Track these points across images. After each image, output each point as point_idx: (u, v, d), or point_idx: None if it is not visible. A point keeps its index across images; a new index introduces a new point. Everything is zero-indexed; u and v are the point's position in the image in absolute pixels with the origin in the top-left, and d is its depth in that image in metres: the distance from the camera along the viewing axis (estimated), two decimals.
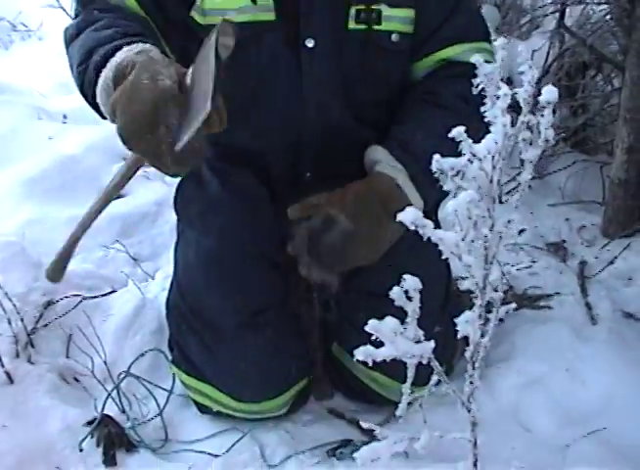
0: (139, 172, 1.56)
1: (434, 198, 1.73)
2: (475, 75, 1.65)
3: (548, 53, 3.03)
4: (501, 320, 1.12)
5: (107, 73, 1.41)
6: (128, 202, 2.72)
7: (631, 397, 1.84)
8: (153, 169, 2.68)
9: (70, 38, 1.62)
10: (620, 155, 2.50)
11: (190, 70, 1.33)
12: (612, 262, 2.43)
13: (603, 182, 2.81)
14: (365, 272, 1.77)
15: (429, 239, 1.82)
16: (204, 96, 1.27)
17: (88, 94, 1.50)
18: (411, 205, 1.55)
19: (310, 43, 1.71)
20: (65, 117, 3.58)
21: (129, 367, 1.95)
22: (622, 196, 2.57)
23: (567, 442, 1.73)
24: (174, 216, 2.41)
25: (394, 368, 1.74)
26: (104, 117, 1.49)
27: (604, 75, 3.16)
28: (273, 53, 1.73)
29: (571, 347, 2.01)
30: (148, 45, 1.43)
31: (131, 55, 1.39)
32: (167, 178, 2.74)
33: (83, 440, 1.75)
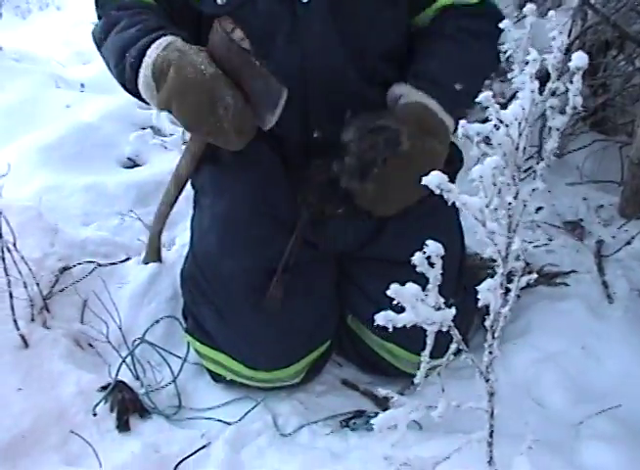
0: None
1: (458, 117, 1.74)
2: (477, 13, 1.65)
3: (570, 30, 3.00)
4: (518, 296, 1.11)
5: (145, 72, 1.62)
6: (144, 171, 2.71)
7: None
8: (169, 138, 2.70)
9: (100, 41, 1.77)
10: None
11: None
12: (629, 243, 2.40)
13: (622, 162, 2.78)
14: (381, 241, 1.77)
15: (443, 210, 1.85)
16: (266, 80, 1.58)
17: (132, 91, 1.71)
18: (446, 125, 1.70)
19: None
20: (82, 85, 3.59)
21: (144, 334, 1.96)
22: None
23: (580, 418, 1.72)
24: (190, 186, 2.41)
25: (410, 340, 1.77)
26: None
27: (626, 55, 3.11)
28: (270, 11, 1.73)
29: (588, 324, 2.00)
30: (170, 37, 1.62)
31: (161, 53, 1.59)
32: (184, 148, 2.74)
33: (97, 404, 1.76)
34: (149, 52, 1.61)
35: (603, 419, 1.70)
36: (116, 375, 1.85)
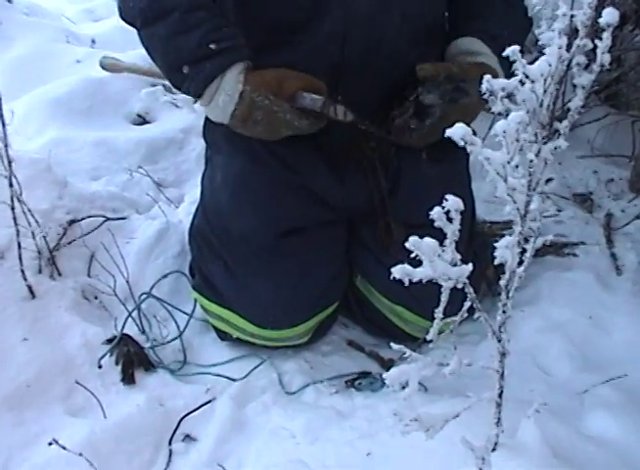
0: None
1: None
2: None
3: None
4: (534, 256, 1.10)
5: (220, 117, 1.66)
6: (154, 128, 2.69)
7: None
8: (180, 96, 2.68)
9: (138, 23, 1.67)
10: None
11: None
12: (638, 217, 2.40)
13: (633, 137, 2.77)
14: (393, 205, 1.76)
15: (456, 176, 1.83)
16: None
17: (183, 91, 1.68)
18: None
19: None
20: (93, 41, 3.56)
21: (151, 288, 1.96)
22: None
23: (585, 387, 1.72)
24: (201, 144, 2.39)
25: (419, 303, 1.77)
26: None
27: None
28: None
29: (595, 295, 2.00)
30: (236, 72, 1.61)
31: (240, 107, 1.61)
32: (195, 106, 2.72)
33: (102, 357, 1.76)
34: (228, 77, 1.60)
35: (608, 388, 1.69)
36: (122, 328, 1.85)
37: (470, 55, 1.76)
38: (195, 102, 1.71)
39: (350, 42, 1.71)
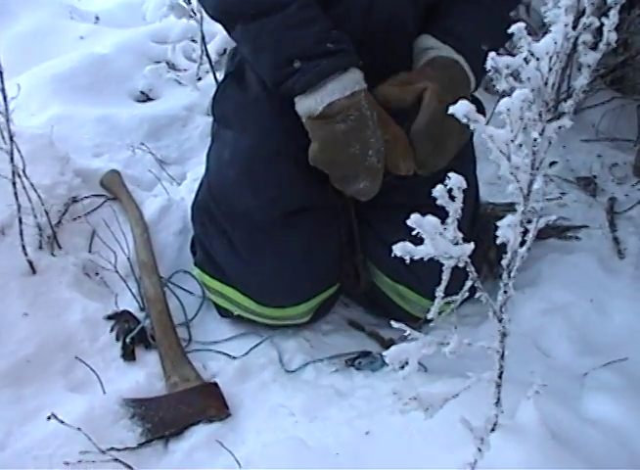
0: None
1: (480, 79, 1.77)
2: None
3: None
4: (536, 238, 1.09)
5: (314, 104, 1.59)
6: (158, 105, 2.69)
7: None
8: (184, 73, 2.68)
9: (244, 17, 1.63)
10: None
11: None
12: None
13: (638, 121, 2.76)
14: (397, 187, 1.76)
15: (460, 160, 1.83)
16: None
17: (284, 95, 1.64)
18: (470, 80, 1.72)
19: None
20: (97, 18, 3.55)
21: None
22: None
23: (585, 370, 1.71)
24: (204, 122, 2.39)
25: (421, 283, 1.77)
26: None
27: None
28: None
29: (597, 278, 2.00)
30: (356, 75, 1.59)
31: (344, 100, 1.57)
32: (199, 84, 2.72)
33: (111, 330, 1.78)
34: (331, 86, 1.57)
35: (608, 371, 1.69)
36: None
37: (423, 52, 1.75)
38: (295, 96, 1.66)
39: (373, 14, 1.72)
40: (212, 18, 1.76)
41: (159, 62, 2.87)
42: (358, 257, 1.87)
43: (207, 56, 2.64)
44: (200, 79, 2.82)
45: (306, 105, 1.60)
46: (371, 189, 1.64)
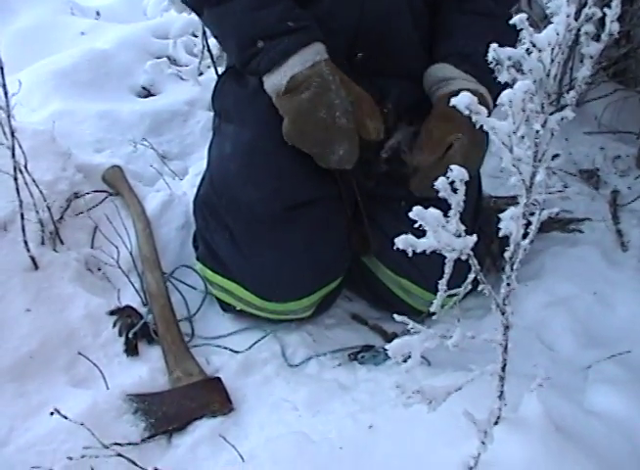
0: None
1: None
2: None
3: None
4: (538, 230, 1.09)
5: (279, 80, 1.64)
6: (159, 100, 2.69)
7: None
8: (185, 68, 2.67)
9: (209, 2, 1.70)
10: None
11: None
12: None
13: None
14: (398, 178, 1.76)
15: None
16: None
17: (250, 71, 1.72)
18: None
19: None
20: (97, 13, 3.56)
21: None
22: None
23: (589, 362, 1.71)
24: (206, 117, 2.39)
25: (424, 276, 1.77)
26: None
27: None
28: None
29: (600, 271, 1.99)
30: (317, 46, 1.64)
31: (305, 71, 1.62)
32: (200, 78, 2.71)
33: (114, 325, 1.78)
34: (291, 61, 1.62)
35: (612, 364, 1.69)
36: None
37: (443, 82, 1.77)
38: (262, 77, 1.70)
39: (364, 14, 1.74)
40: (184, 2, 1.83)
41: (160, 57, 2.87)
42: (365, 226, 1.87)
43: (209, 50, 2.64)
44: (201, 74, 2.82)
45: (272, 82, 1.66)
46: (351, 153, 1.66)
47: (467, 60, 1.74)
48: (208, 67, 2.77)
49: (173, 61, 2.90)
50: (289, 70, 1.62)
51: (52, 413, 1.41)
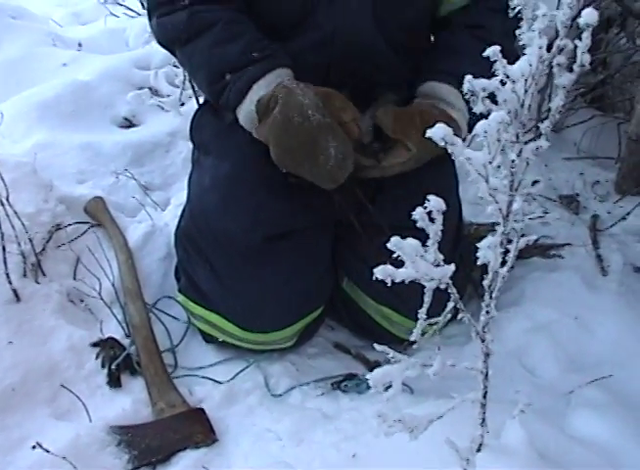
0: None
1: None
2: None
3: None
4: (512, 267, 1.10)
5: (248, 107, 1.66)
6: (141, 131, 2.69)
7: (638, 347, 1.83)
8: (167, 99, 2.68)
9: (179, 41, 1.74)
10: None
11: None
12: (624, 218, 2.40)
13: (619, 139, 2.78)
14: (379, 207, 1.76)
15: (443, 179, 1.83)
16: None
17: (226, 109, 1.73)
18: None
19: None
20: (79, 44, 3.55)
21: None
22: (639, 153, 2.54)
23: (571, 387, 1.72)
24: (188, 148, 2.39)
25: (405, 304, 1.77)
26: None
27: (627, 32, 3.10)
28: None
29: (581, 296, 2.00)
30: (280, 70, 1.66)
31: (270, 91, 1.61)
32: (182, 109, 2.72)
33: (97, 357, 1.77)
34: (256, 87, 1.65)
35: (594, 389, 1.70)
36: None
37: (441, 102, 1.77)
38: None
39: (336, 41, 1.75)
40: (158, 43, 1.85)
41: (141, 88, 2.87)
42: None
43: (190, 81, 2.65)
44: (182, 105, 2.83)
45: (244, 113, 1.68)
46: (344, 147, 1.60)
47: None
48: (190, 97, 2.77)
49: (155, 91, 2.90)
50: (254, 95, 1.64)
51: (34, 447, 1.41)
